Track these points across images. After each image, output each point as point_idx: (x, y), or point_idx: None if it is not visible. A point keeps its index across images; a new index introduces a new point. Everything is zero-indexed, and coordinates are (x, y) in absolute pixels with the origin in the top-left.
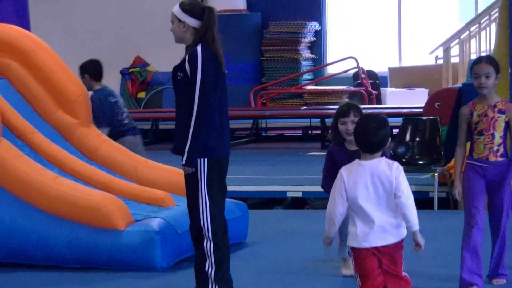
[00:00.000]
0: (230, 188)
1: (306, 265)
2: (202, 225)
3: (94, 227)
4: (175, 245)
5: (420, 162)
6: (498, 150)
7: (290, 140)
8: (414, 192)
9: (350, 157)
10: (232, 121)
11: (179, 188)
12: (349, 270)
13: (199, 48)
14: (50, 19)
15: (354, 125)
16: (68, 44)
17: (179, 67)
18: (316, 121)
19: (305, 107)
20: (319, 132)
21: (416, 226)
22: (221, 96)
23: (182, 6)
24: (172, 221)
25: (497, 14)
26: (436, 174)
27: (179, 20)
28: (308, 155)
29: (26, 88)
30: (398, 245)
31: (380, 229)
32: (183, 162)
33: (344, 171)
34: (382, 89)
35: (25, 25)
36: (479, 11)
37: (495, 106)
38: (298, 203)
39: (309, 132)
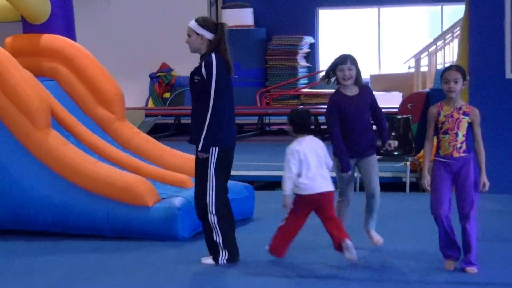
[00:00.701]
0: (239, 172)
1: (302, 236)
2: (208, 202)
3: (128, 203)
4: (194, 219)
5: (395, 153)
6: (461, 147)
7: (287, 133)
8: (390, 178)
9: (348, 100)
10: (241, 117)
11: None
12: (376, 238)
13: (213, 56)
14: (93, 32)
15: (350, 72)
16: (107, 52)
17: (195, 72)
18: None
19: (302, 106)
20: (312, 127)
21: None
22: (230, 96)
23: (198, 22)
24: (191, 199)
25: (458, 32)
26: (408, 163)
27: (197, 34)
28: None
29: (72, 88)
30: (332, 193)
31: (323, 179)
32: (199, 149)
33: (296, 147)
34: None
35: (72, 36)
36: (444, 29)
37: (460, 108)
38: None
39: None
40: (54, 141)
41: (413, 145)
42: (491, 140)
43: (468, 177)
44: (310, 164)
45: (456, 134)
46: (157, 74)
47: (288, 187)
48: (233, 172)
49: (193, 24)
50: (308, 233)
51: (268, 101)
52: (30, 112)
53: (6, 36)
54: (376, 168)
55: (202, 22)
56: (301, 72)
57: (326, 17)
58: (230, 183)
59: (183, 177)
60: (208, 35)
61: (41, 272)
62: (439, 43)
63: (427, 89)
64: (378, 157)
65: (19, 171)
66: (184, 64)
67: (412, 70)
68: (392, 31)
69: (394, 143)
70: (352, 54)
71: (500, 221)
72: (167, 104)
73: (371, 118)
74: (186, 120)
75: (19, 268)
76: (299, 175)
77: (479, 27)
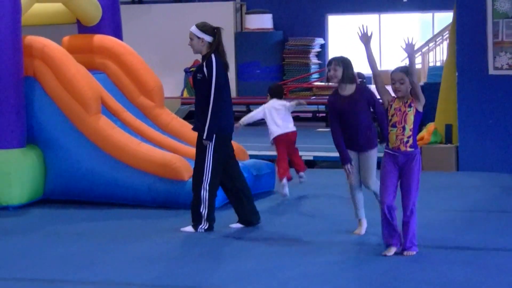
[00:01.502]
0: (262, 152)
1: (313, 205)
2: (204, 179)
3: (167, 178)
4: (222, 192)
5: None
6: (407, 141)
7: (303, 120)
8: None
9: (343, 100)
10: None
11: None
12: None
13: (213, 57)
14: (137, 33)
15: (334, 72)
16: (149, 50)
17: (198, 70)
18: (321, 107)
19: (314, 97)
20: (323, 115)
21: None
22: (227, 91)
23: (199, 27)
24: None
25: (447, 35)
26: None
27: (198, 37)
28: (316, 131)
29: (118, 80)
30: (295, 133)
31: (287, 124)
32: (204, 137)
33: (265, 105)
34: (368, 85)
35: (119, 36)
36: (435, 32)
37: (406, 101)
38: (310, 164)
39: (317, 115)
40: (104, 125)
41: None
42: (477, 127)
43: (411, 173)
44: (276, 115)
45: (403, 128)
46: (191, 69)
47: (244, 119)
48: (256, 152)
49: (194, 29)
50: (315, 202)
51: (285, 92)
52: (84, 100)
53: (63, 35)
54: (371, 163)
55: (202, 27)
56: (313, 68)
57: (334, 21)
58: (255, 161)
59: None
60: (208, 38)
61: (91, 235)
62: (431, 44)
63: (421, 83)
64: (379, 140)
65: (74, 150)
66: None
67: None
68: (391, 34)
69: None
70: (344, 56)
71: (480, 195)
72: None
73: (370, 115)
74: None
75: (74, 232)
76: (270, 123)
77: (465, 31)
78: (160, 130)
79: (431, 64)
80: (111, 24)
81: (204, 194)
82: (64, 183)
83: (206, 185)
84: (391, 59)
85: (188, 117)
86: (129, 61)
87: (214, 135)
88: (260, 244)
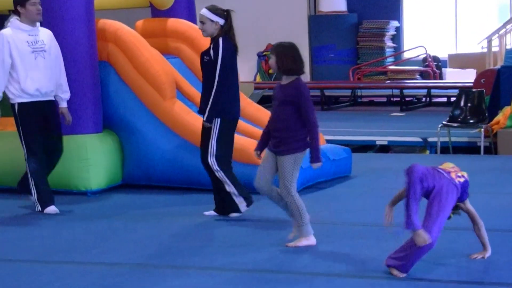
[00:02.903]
0: (337, 137)
1: (386, 187)
2: (210, 163)
3: (244, 163)
4: (300, 176)
5: (471, 121)
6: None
7: (377, 104)
8: (466, 142)
9: (277, 89)
10: (336, 90)
11: None
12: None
13: (221, 40)
14: None
15: (271, 61)
16: None
17: (205, 53)
18: (396, 91)
19: (388, 81)
20: (398, 99)
21: None
22: (235, 75)
23: (212, 10)
24: None
25: None
26: (482, 130)
27: (212, 21)
28: (390, 115)
29: (193, 65)
30: None
31: None
32: (204, 119)
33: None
34: (443, 69)
35: (193, 20)
36: None
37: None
38: (384, 149)
39: (391, 99)
40: (179, 109)
41: (486, 114)
42: None
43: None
44: None
45: None
46: (264, 53)
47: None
48: (331, 137)
49: (206, 12)
50: (389, 185)
51: (359, 76)
52: (158, 85)
53: (137, 19)
54: (282, 170)
55: (215, 10)
56: (388, 51)
57: (409, 3)
58: (332, 146)
59: None
60: (221, 21)
61: (168, 220)
62: (508, 26)
63: (498, 66)
64: (454, 124)
65: (151, 135)
66: None
67: (485, 50)
68: (467, 17)
69: (316, 166)
70: (283, 43)
71: None
72: (272, 78)
73: (296, 118)
74: None
75: (151, 217)
76: None
77: None
78: None
79: (508, 47)
80: (185, 7)
81: (220, 174)
82: (141, 168)
83: (215, 167)
84: (467, 42)
85: (261, 102)
86: (203, 45)
87: (220, 119)
88: (339, 227)
